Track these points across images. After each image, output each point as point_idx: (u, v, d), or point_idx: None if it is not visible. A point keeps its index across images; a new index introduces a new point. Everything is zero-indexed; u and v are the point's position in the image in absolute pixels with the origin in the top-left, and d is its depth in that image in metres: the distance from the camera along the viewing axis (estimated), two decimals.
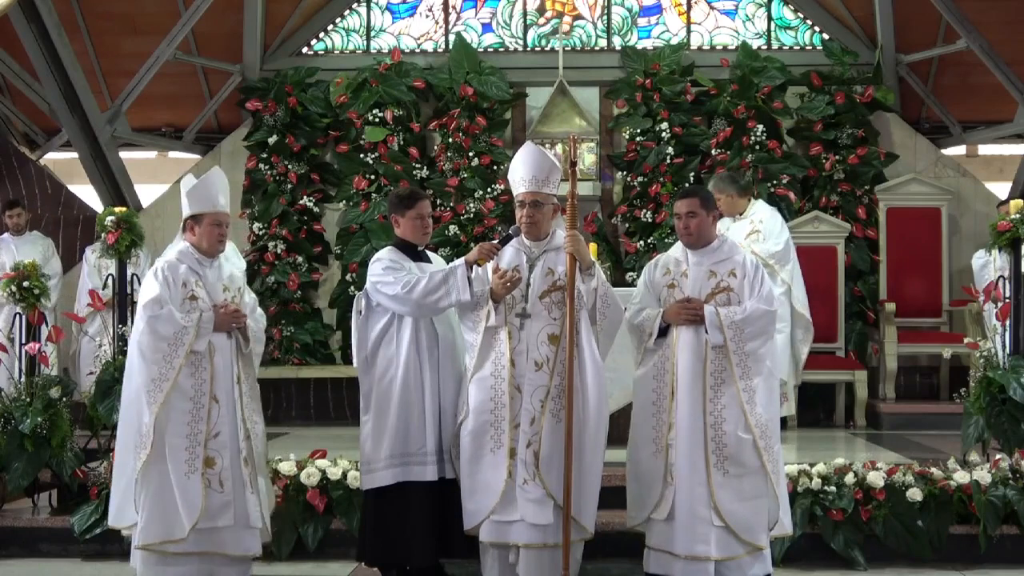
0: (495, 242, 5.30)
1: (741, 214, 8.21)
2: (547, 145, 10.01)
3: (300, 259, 10.15)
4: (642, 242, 9.91)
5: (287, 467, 6.24)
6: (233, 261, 8.87)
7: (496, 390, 5.09)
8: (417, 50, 10.74)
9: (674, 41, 10.59)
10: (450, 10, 10.80)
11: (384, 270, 5.33)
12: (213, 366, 5.22)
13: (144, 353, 5.16)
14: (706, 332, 5.09)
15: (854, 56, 10.28)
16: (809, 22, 10.65)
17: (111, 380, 6.75)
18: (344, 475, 6.17)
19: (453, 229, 9.90)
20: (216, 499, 5.18)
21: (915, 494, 6.00)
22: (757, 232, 8.15)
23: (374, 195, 9.99)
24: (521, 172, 5.22)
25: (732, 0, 10.72)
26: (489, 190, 9.93)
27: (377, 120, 10.04)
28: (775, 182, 9.80)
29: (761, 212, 8.33)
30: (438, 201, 9.99)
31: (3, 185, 10.74)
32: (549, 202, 5.25)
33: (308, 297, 10.27)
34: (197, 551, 5.16)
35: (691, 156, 10.05)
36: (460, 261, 5.23)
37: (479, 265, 5.20)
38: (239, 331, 5.34)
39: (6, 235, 9.82)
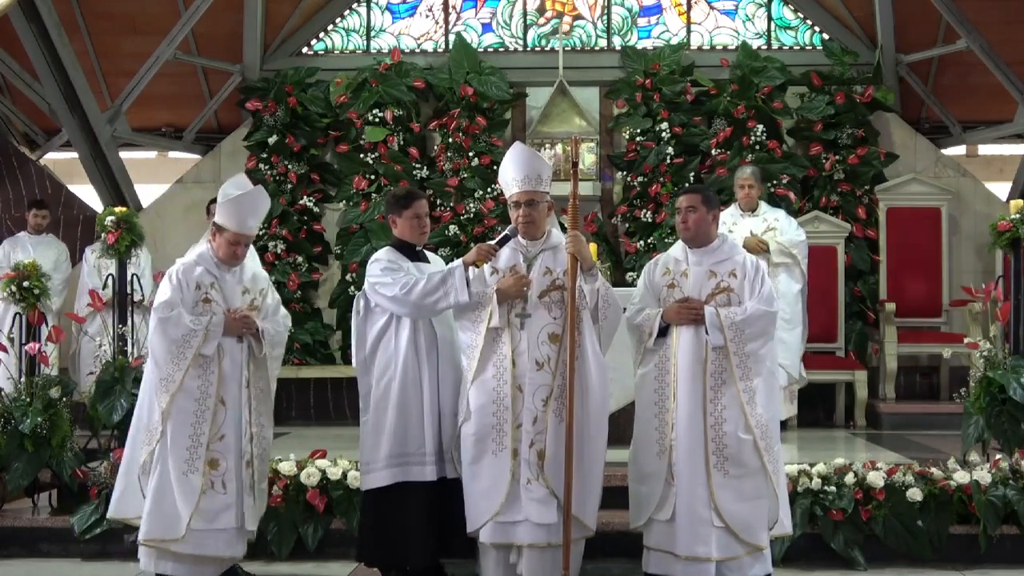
0: (493, 243, 5.30)
1: (753, 211, 8.37)
2: (547, 145, 10.04)
3: (300, 259, 10.16)
4: (642, 242, 9.91)
5: (287, 467, 6.24)
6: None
7: (498, 392, 5.08)
8: (417, 50, 10.74)
9: (674, 41, 10.59)
10: (450, 10, 10.80)
11: (382, 271, 5.33)
12: (221, 369, 5.28)
13: (154, 353, 5.28)
14: (706, 333, 5.09)
15: (854, 56, 10.28)
16: (809, 22, 10.65)
17: (111, 380, 6.75)
18: (344, 475, 6.16)
19: (453, 229, 9.90)
20: (219, 500, 5.23)
21: (915, 494, 6.00)
22: (773, 230, 8.28)
23: (374, 195, 9.99)
24: (513, 173, 5.22)
25: (732, 0, 10.73)
26: (489, 190, 9.92)
27: (377, 120, 10.04)
28: (775, 182, 9.79)
29: (775, 211, 8.50)
30: (438, 201, 10.00)
31: (3, 185, 10.74)
32: (544, 200, 5.25)
33: (308, 297, 10.27)
34: (194, 553, 5.19)
35: (691, 156, 10.05)
36: (458, 262, 5.22)
37: (477, 266, 5.20)
38: (252, 335, 5.37)
39: (22, 233, 9.87)
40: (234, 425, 5.29)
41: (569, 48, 10.59)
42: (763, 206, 8.51)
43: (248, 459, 5.32)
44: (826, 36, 10.55)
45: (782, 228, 8.35)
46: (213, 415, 5.24)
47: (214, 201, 6.07)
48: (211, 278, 5.37)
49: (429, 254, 5.64)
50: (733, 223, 8.24)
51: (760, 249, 7.94)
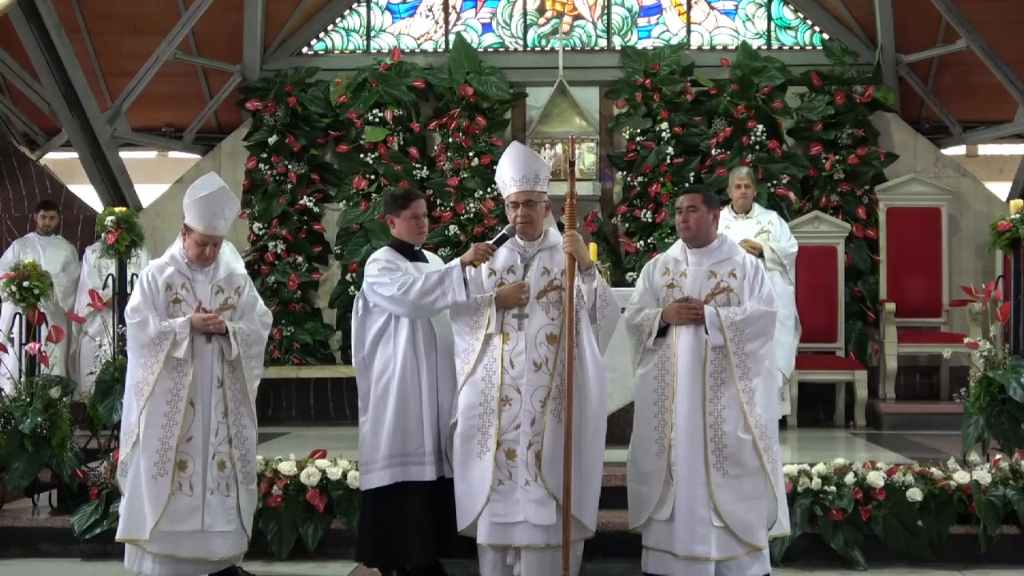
0: (491, 242, 5.29)
1: (747, 213, 8.39)
2: (547, 145, 10.04)
3: (300, 259, 10.16)
4: (642, 242, 9.91)
5: (287, 467, 6.24)
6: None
7: (486, 395, 5.09)
8: (417, 50, 10.74)
9: (674, 41, 10.59)
10: (450, 10, 10.80)
11: (380, 271, 5.33)
12: (194, 371, 5.28)
13: (130, 358, 5.36)
14: (706, 332, 5.09)
15: (854, 56, 10.28)
16: (809, 22, 10.65)
17: (111, 380, 6.76)
18: (344, 475, 6.16)
19: (453, 229, 9.90)
20: (185, 502, 5.26)
21: (915, 494, 6.00)
22: (767, 232, 8.28)
23: (374, 195, 9.99)
24: (511, 172, 5.21)
25: (732, 0, 10.73)
26: (489, 190, 9.91)
27: (377, 120, 10.04)
28: (775, 182, 9.80)
29: (768, 214, 8.49)
30: (438, 201, 10.00)
31: (3, 185, 10.74)
32: (542, 200, 5.24)
33: (308, 297, 10.28)
34: (164, 553, 5.23)
35: (691, 156, 10.05)
36: (456, 262, 5.22)
37: (475, 265, 5.20)
38: (222, 337, 5.36)
39: (32, 234, 9.89)
40: (202, 426, 5.30)
41: (569, 48, 10.59)
42: (756, 208, 8.53)
43: (222, 460, 5.33)
44: (826, 36, 10.55)
45: (775, 233, 8.34)
46: (183, 417, 5.26)
47: None
48: (182, 279, 5.39)
49: (428, 254, 5.64)
50: (726, 226, 8.22)
51: (754, 254, 7.95)
